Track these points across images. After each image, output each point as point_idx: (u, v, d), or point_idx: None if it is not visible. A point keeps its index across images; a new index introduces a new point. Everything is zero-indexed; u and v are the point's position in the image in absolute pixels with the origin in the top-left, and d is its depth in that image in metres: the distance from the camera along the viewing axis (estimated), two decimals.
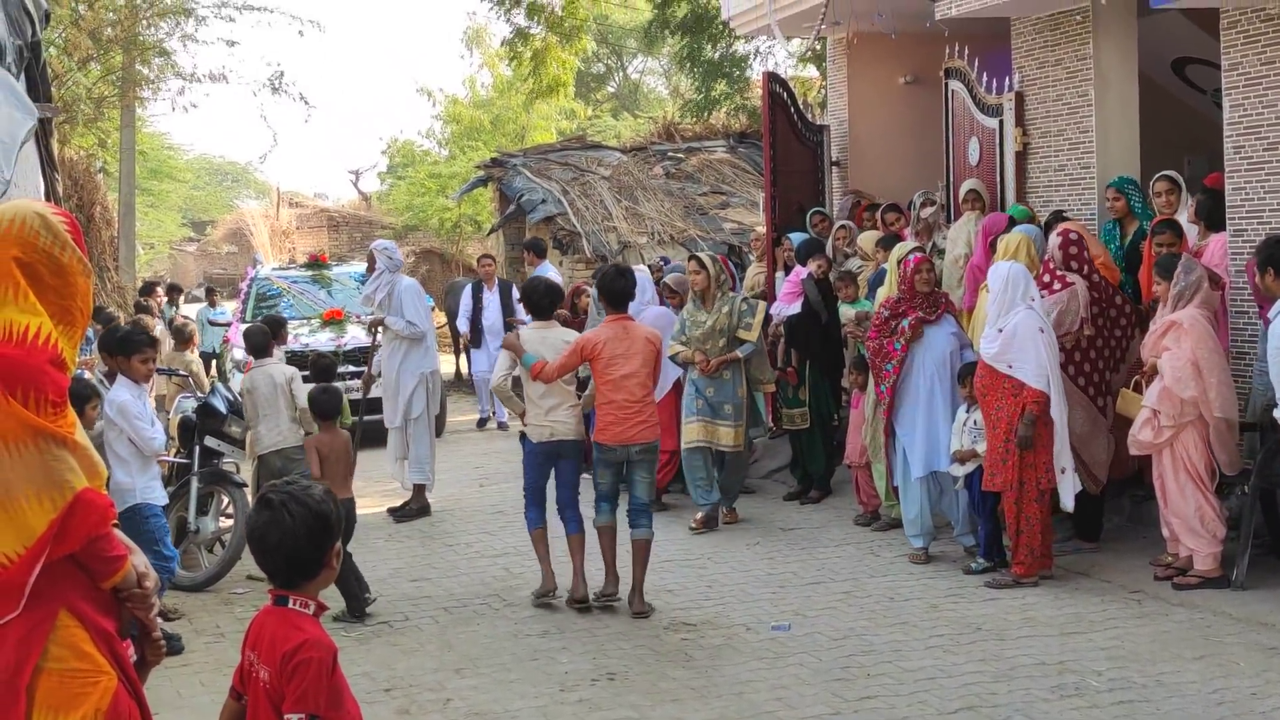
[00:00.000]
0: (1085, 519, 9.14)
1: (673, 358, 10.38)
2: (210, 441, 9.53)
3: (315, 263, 18.24)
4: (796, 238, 12.53)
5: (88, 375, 8.73)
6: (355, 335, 15.48)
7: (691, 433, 10.41)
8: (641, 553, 8.28)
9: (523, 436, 8.69)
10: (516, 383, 8.75)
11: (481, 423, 16.71)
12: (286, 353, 13.91)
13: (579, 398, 8.62)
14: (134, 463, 7.94)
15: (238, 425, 9.70)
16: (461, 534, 10.73)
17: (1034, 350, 8.29)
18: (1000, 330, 8.36)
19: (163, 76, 20.45)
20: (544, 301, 8.78)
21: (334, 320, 16.08)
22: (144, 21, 20.11)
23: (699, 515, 10.49)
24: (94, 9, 19.08)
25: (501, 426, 16.27)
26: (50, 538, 3.57)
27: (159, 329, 14.93)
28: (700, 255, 10.82)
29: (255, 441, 9.76)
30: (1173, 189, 9.76)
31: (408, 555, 10.07)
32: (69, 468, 3.63)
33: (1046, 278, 9.02)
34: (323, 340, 15.46)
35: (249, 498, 9.39)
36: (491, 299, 16.59)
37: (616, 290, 8.50)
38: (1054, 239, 9.16)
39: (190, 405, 10.10)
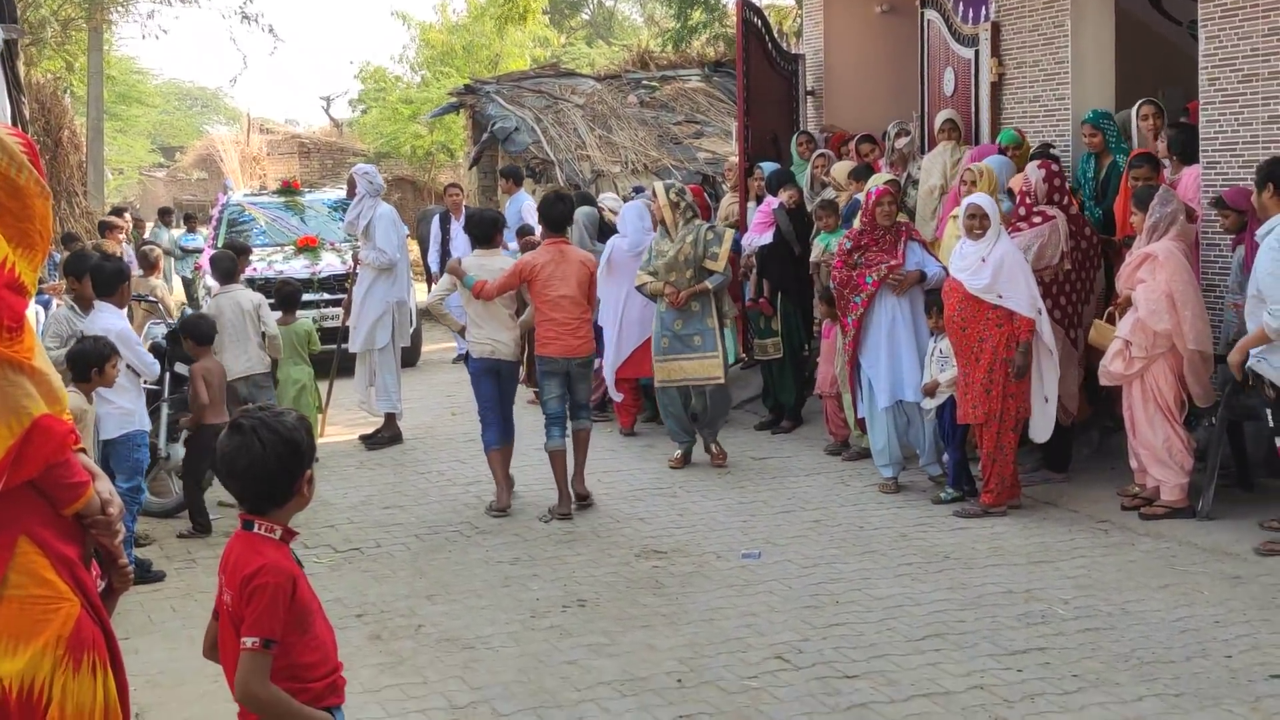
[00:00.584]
0: (1054, 450, 9.21)
1: (640, 288, 10.24)
2: (180, 368, 9.49)
3: (288, 189, 18.04)
4: (767, 167, 12.50)
5: (56, 303, 8.65)
6: (330, 263, 15.42)
7: (662, 372, 10.15)
8: (582, 443, 9.23)
9: (466, 357, 9.54)
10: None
11: (462, 358, 16.56)
12: (258, 280, 13.88)
13: (516, 322, 9.23)
14: (133, 389, 7.93)
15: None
16: (433, 462, 10.74)
17: (1024, 279, 8.32)
18: (984, 259, 8.34)
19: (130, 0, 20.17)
20: (487, 230, 9.45)
21: (308, 247, 15.96)
22: None
23: (676, 453, 10.28)
24: None
25: (463, 359, 16.22)
26: (8, 464, 3.54)
27: (127, 254, 14.82)
28: (657, 184, 10.61)
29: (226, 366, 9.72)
30: (1158, 114, 9.76)
31: (379, 483, 10.08)
32: (26, 393, 3.58)
33: (1023, 211, 9.02)
34: (297, 267, 15.33)
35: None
36: (459, 229, 16.44)
37: (555, 215, 9.15)
38: (1036, 171, 9.13)
39: (160, 331, 10.04)
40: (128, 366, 7.84)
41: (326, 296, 15.05)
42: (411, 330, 14.41)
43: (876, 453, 9.40)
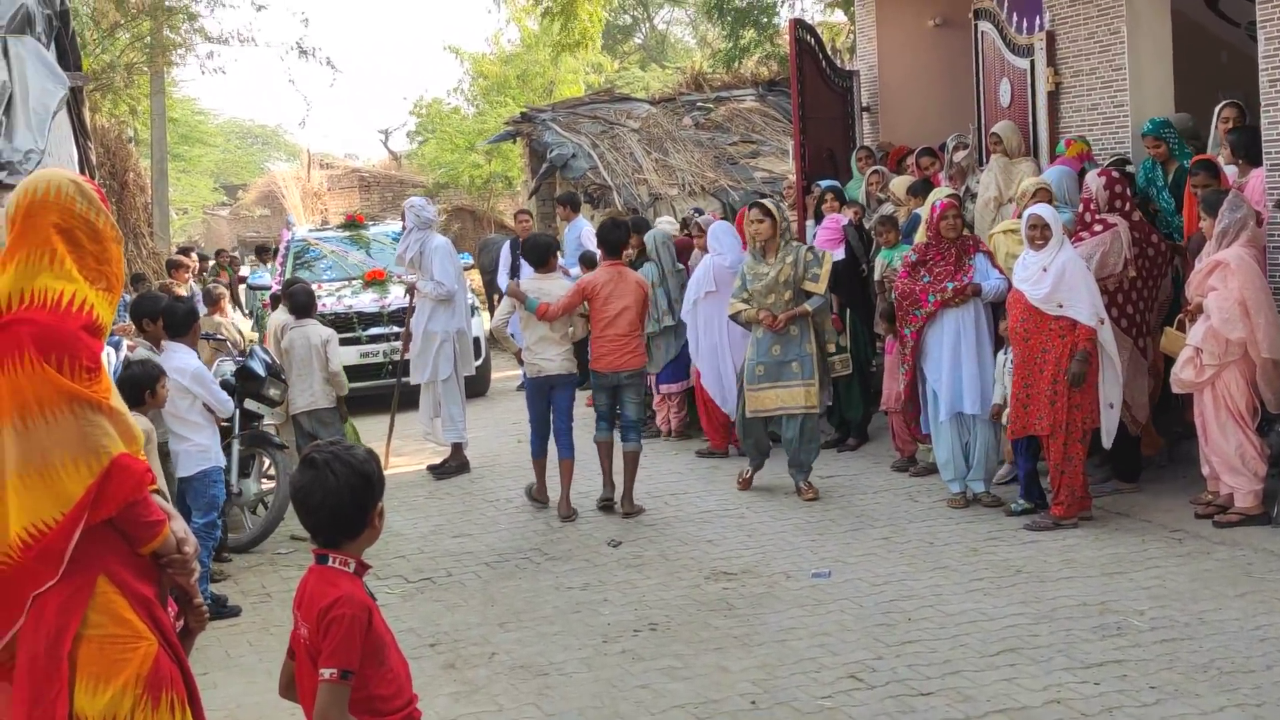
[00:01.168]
0: (1124, 459, 9.13)
1: (734, 317, 9.91)
2: (250, 404, 9.61)
3: (352, 223, 18.10)
4: (826, 184, 12.47)
5: (126, 343, 8.79)
6: (399, 295, 15.40)
7: (753, 401, 9.74)
8: (631, 461, 9.73)
9: (523, 376, 10.12)
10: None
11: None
12: (328, 314, 14.05)
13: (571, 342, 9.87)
14: (208, 426, 8.06)
15: (276, 387, 9.78)
16: (501, 490, 10.80)
17: (1086, 287, 8.26)
18: (1045, 269, 8.30)
19: (190, 41, 20.48)
20: (543, 254, 10.08)
21: (376, 281, 15.95)
22: None
23: (746, 472, 10.12)
24: None
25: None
26: (88, 503, 3.62)
27: (194, 293, 15.01)
28: (764, 201, 9.98)
29: (289, 402, 9.87)
30: (1241, 115, 9.62)
31: (449, 512, 10.15)
32: (105, 433, 3.67)
33: (1088, 218, 8.97)
34: (366, 301, 15.40)
35: (290, 459, 9.49)
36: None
37: (612, 239, 9.87)
38: (1097, 180, 9.08)
39: (229, 368, 10.17)
40: (203, 405, 7.97)
41: (396, 329, 14.96)
42: (479, 360, 14.59)
43: (942, 466, 9.36)
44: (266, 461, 9.72)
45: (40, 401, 3.62)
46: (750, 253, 9.90)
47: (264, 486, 9.71)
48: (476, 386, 15.79)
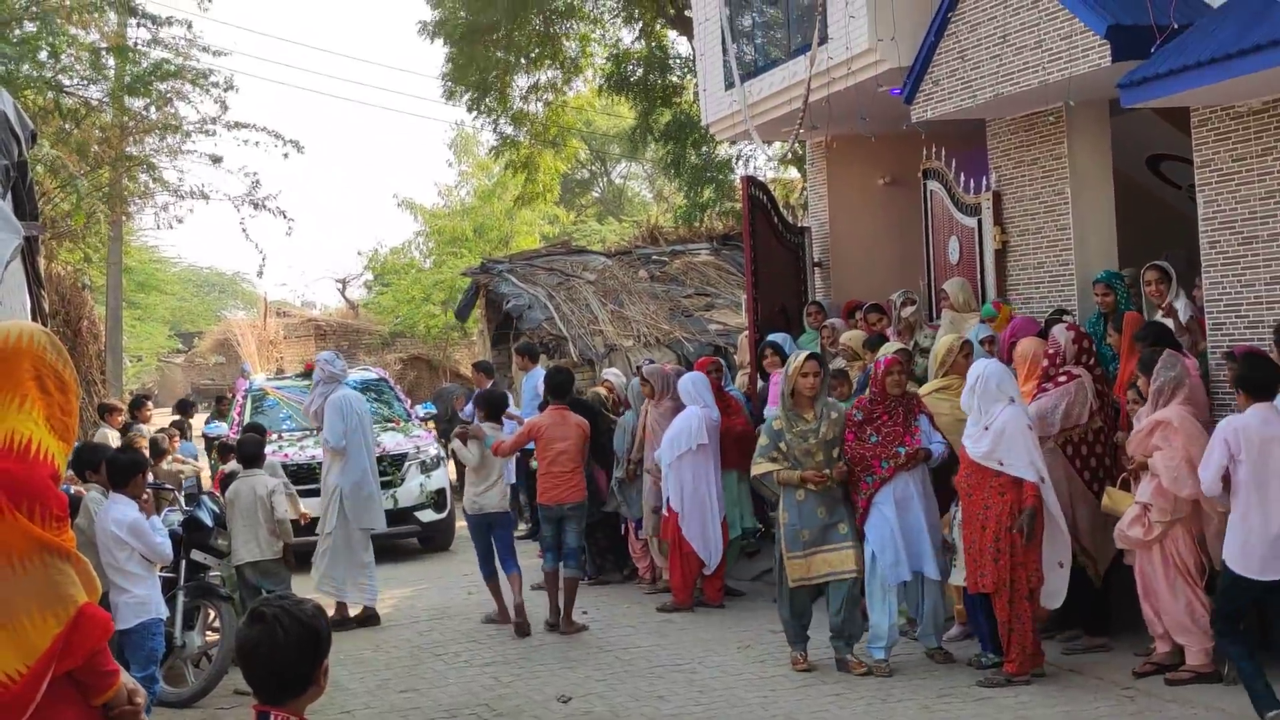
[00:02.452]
0: (1094, 613, 9.08)
1: (759, 478, 9.31)
2: (196, 555, 9.50)
3: (309, 372, 17.74)
4: (772, 338, 12.56)
5: (75, 489, 8.70)
6: None
7: (800, 569, 8.95)
8: (570, 588, 10.73)
9: (466, 513, 11.23)
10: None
11: None
12: (290, 465, 13.83)
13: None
14: (148, 577, 7.96)
15: (224, 538, 9.69)
16: (450, 643, 10.66)
17: (1024, 445, 8.31)
18: (986, 428, 8.37)
19: (149, 192, 20.62)
20: (497, 408, 11.42)
21: None
22: (131, 138, 20.32)
23: (799, 653, 9.14)
24: (81, 127, 19.27)
25: None
26: (55, 653, 3.58)
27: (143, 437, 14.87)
28: (817, 354, 9.45)
29: (232, 553, 9.76)
30: (1162, 278, 9.81)
31: (396, 666, 9.99)
32: (71, 581, 3.65)
33: (1052, 370, 9.06)
34: None
35: (234, 612, 9.36)
36: None
37: (557, 384, 11.13)
38: (1065, 334, 9.20)
39: (176, 518, 10.07)
40: (141, 555, 7.87)
41: None
42: (443, 514, 14.46)
43: (875, 630, 8.99)
44: (212, 614, 9.56)
45: (10, 550, 3.60)
46: (783, 410, 9.15)
47: (208, 639, 9.53)
48: (441, 539, 15.68)
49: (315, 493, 14.03)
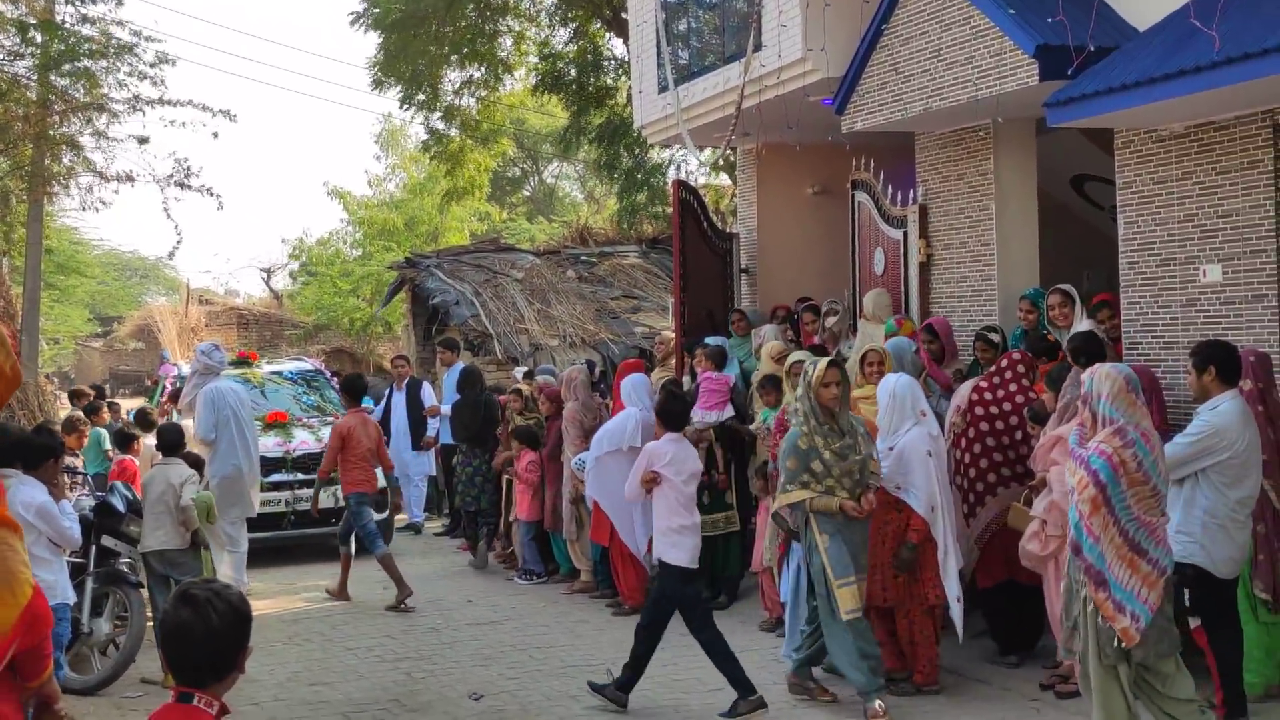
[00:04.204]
0: (1000, 629, 9.14)
1: (790, 508, 8.23)
2: (107, 541, 9.38)
3: (243, 361, 16.69)
4: (713, 343, 12.53)
5: None
6: (304, 440, 14.72)
7: (852, 597, 7.95)
8: (388, 562, 11.84)
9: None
10: None
11: (410, 528, 16.27)
12: None
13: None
14: (55, 560, 7.83)
15: (136, 524, 9.56)
16: (363, 637, 10.59)
17: (922, 473, 8.30)
18: (891, 449, 8.40)
19: (73, 172, 20.29)
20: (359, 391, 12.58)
21: (278, 423, 15.05)
22: (55, 117, 20.00)
23: (877, 703, 7.89)
24: (3, 102, 18.95)
25: (412, 528, 16.11)
26: (20, 632, 3.56)
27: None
28: (836, 360, 8.48)
29: (142, 538, 9.63)
30: (1065, 302, 9.93)
31: (306, 659, 9.92)
32: (20, 559, 3.65)
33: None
34: (269, 445, 14.24)
35: (142, 600, 9.25)
36: (399, 398, 16.49)
37: (352, 389, 12.55)
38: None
39: (88, 504, 9.93)
40: (49, 539, 7.75)
41: (301, 477, 14.24)
42: (384, 514, 14.26)
43: (791, 641, 8.89)
44: (121, 600, 9.42)
45: None
46: (810, 426, 8.05)
47: (116, 626, 9.39)
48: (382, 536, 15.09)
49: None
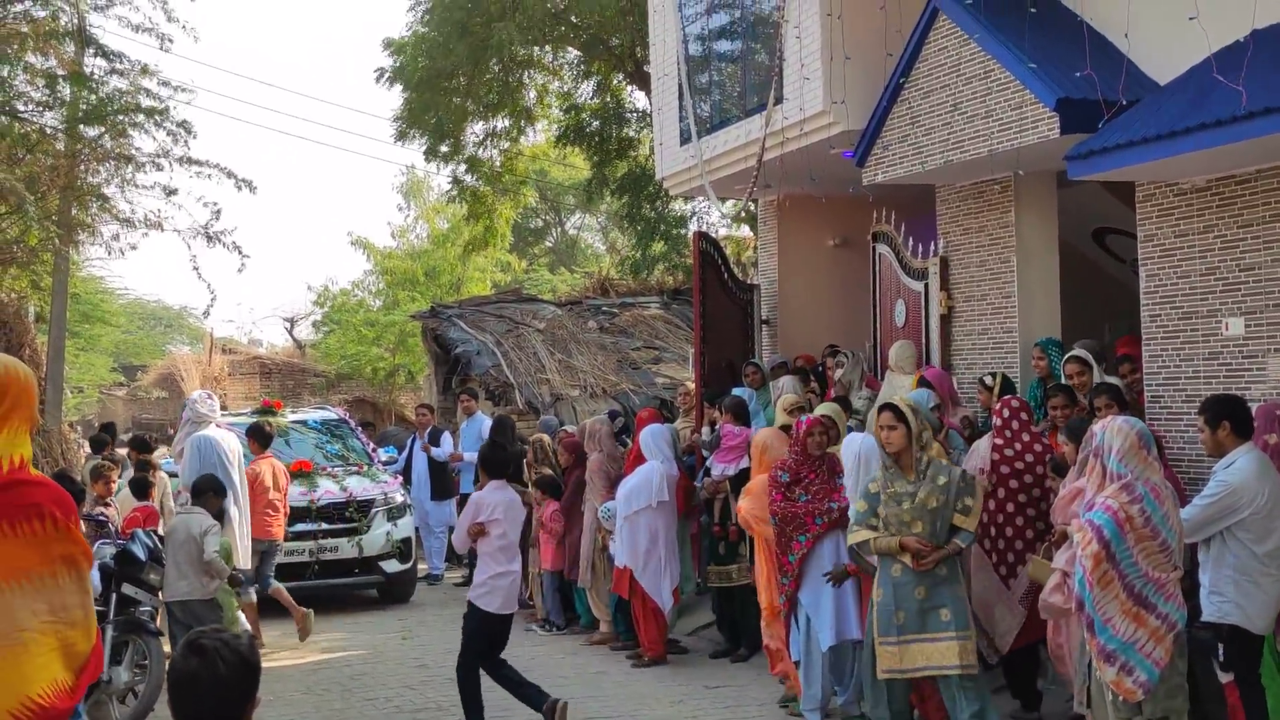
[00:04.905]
0: (1022, 687, 9.04)
1: (855, 548, 8.04)
2: (128, 589, 9.39)
3: (266, 409, 16.58)
4: (741, 393, 12.49)
5: None
6: (328, 490, 14.61)
7: (891, 658, 7.67)
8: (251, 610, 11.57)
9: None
10: None
11: (435, 577, 16.30)
12: None
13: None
14: None
15: (157, 573, 9.57)
16: (381, 688, 10.56)
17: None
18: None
19: (99, 221, 20.44)
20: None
21: (302, 472, 14.88)
22: (82, 167, 20.18)
23: None
24: (33, 153, 19.13)
25: (431, 579, 16.11)
26: (96, 665, 3.66)
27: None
28: (896, 402, 8.13)
29: (165, 587, 9.63)
30: (1083, 370, 9.77)
31: (325, 709, 9.89)
32: (89, 596, 3.75)
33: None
34: (294, 495, 13.97)
35: (165, 647, 9.24)
36: (419, 448, 16.52)
37: (259, 435, 13.00)
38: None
39: (109, 551, 9.94)
40: None
41: (325, 526, 14.19)
42: (407, 565, 14.65)
43: (808, 696, 8.90)
44: (140, 649, 9.41)
45: (72, 563, 3.69)
46: (882, 470, 7.96)
47: (135, 675, 9.39)
48: (402, 591, 14.97)
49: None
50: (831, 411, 9.87)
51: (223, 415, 17.85)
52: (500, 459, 9.34)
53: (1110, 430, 6.64)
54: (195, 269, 19.81)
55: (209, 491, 10.30)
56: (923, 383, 10.75)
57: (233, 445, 12.02)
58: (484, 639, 8.89)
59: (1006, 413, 9.05)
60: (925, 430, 7.84)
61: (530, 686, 8.82)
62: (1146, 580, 6.38)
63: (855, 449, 8.50)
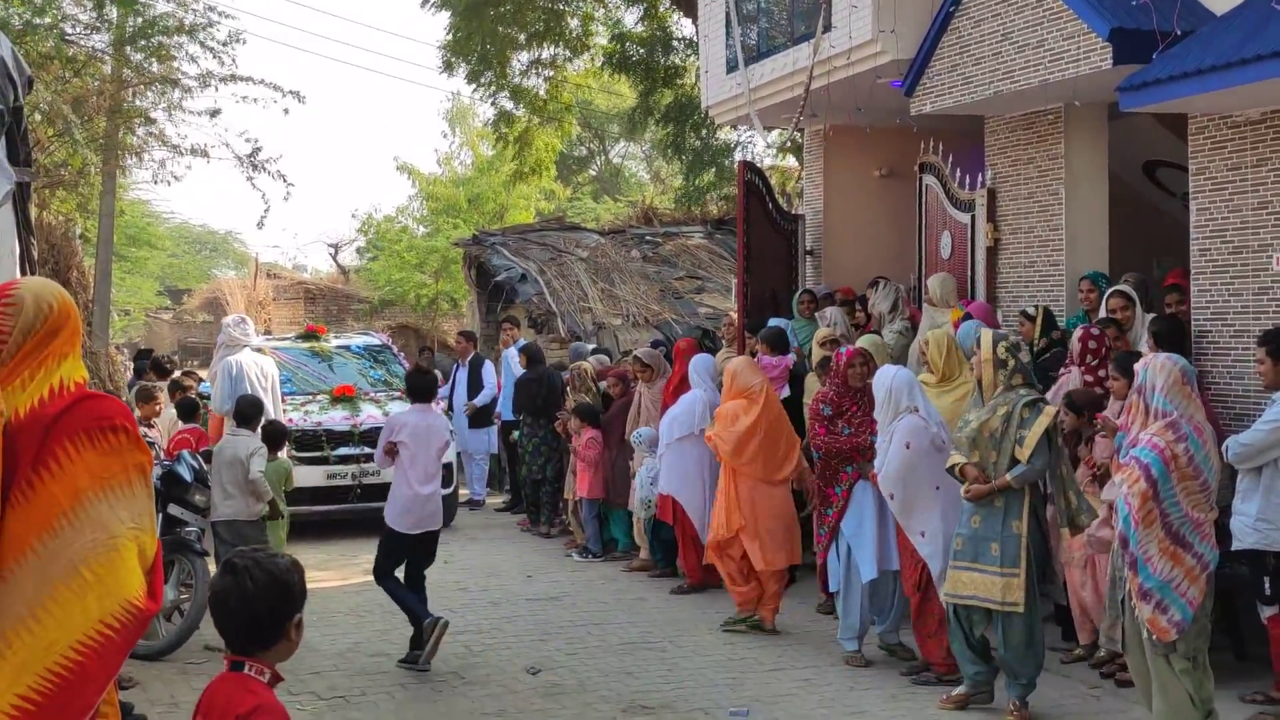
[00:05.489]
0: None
1: (950, 470, 7.85)
2: (173, 509, 9.50)
3: (311, 334, 16.76)
4: (775, 324, 12.48)
5: None
6: (371, 414, 14.57)
7: (950, 583, 7.75)
8: None
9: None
10: None
11: (477, 503, 16.36)
12: (294, 431, 13.50)
13: None
14: None
15: (202, 494, 9.67)
16: None
17: (894, 461, 8.19)
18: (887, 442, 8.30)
19: (147, 145, 20.53)
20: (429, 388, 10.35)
21: (345, 397, 14.93)
22: (129, 90, 20.24)
23: (957, 689, 7.89)
24: (80, 76, 19.19)
25: (473, 505, 16.21)
26: (159, 571, 3.78)
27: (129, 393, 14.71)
28: (985, 334, 8.07)
29: (211, 508, 9.74)
30: (1127, 305, 9.68)
31: (368, 630, 10.02)
32: (154, 503, 3.85)
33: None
34: (336, 418, 14.40)
35: (210, 567, 9.37)
36: (462, 375, 16.55)
37: (187, 408, 11.43)
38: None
39: (155, 472, 10.04)
40: None
41: (368, 450, 13.82)
42: (449, 489, 14.31)
43: (846, 625, 8.96)
44: (186, 568, 9.55)
45: (144, 472, 3.77)
46: (974, 395, 8.05)
47: (181, 594, 9.53)
48: (445, 515, 14.98)
49: (321, 460, 14.01)
50: (870, 344, 9.87)
51: (267, 339, 18.02)
52: (419, 384, 9.67)
53: (1153, 368, 6.64)
54: (250, 179, 19.91)
55: (255, 414, 10.39)
56: (966, 316, 10.69)
57: (267, 369, 12.07)
58: (391, 556, 9.24)
59: (1093, 343, 9.15)
60: (1010, 360, 7.67)
61: (410, 599, 9.14)
62: (1186, 519, 6.41)
63: (887, 383, 8.43)
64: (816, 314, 12.96)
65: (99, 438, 3.71)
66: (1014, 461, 7.49)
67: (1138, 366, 6.85)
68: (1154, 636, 6.36)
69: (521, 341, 16.30)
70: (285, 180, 19.81)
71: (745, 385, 9.90)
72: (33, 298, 3.87)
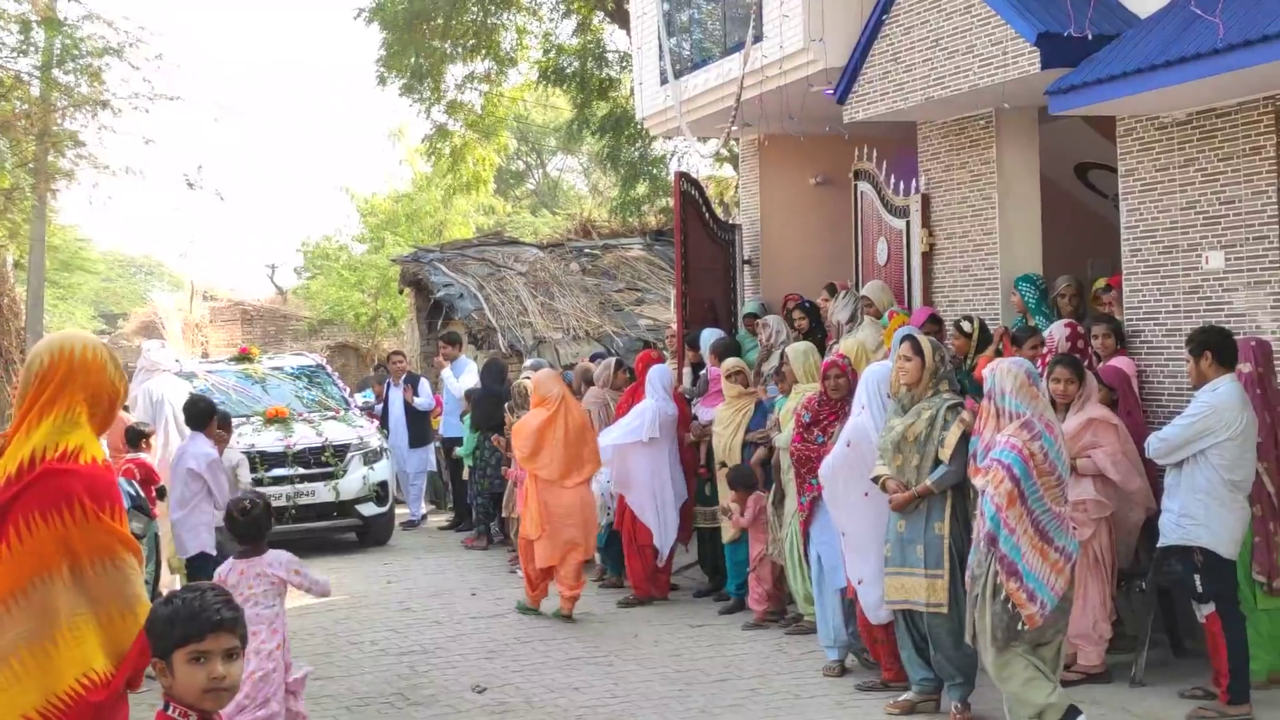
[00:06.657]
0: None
1: (876, 481, 7.82)
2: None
3: (244, 357, 16.88)
4: (709, 335, 12.47)
5: None
6: (304, 435, 14.66)
7: (887, 588, 7.82)
8: None
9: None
10: None
11: (412, 524, 16.34)
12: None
13: None
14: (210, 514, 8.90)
15: (138, 520, 9.53)
16: (367, 631, 10.59)
17: (831, 458, 8.27)
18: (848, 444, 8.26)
19: (76, 168, 20.30)
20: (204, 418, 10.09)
21: (278, 418, 15.04)
22: (58, 113, 20.01)
23: (904, 695, 7.89)
24: (7, 99, 18.96)
25: (408, 525, 16.12)
26: (139, 652, 3.67)
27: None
28: (916, 336, 8.19)
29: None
30: (1078, 293, 9.93)
31: (310, 652, 9.89)
32: (139, 578, 3.80)
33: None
34: (269, 440, 14.49)
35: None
36: (396, 394, 16.51)
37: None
38: (1062, 330, 9.32)
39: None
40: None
41: (301, 471, 14.30)
42: (384, 508, 14.81)
43: (823, 633, 8.95)
44: None
45: (101, 552, 3.67)
46: (893, 399, 7.99)
47: None
48: (380, 533, 15.07)
49: (255, 482, 13.80)
50: (853, 347, 9.82)
51: (202, 363, 17.89)
52: (194, 411, 9.89)
53: (1000, 372, 6.92)
54: (176, 208, 19.83)
55: (208, 416, 10.11)
56: (934, 320, 10.62)
57: (175, 397, 11.89)
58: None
59: (1080, 341, 9.25)
60: (941, 367, 7.77)
61: None
62: (1049, 513, 6.70)
63: (862, 379, 8.45)
64: (759, 322, 12.95)
65: (52, 516, 3.65)
66: (938, 463, 7.57)
67: (985, 372, 7.15)
68: (1025, 627, 6.57)
69: (464, 359, 16.28)
70: (220, 196, 19.67)
71: (544, 394, 10.82)
72: (62, 339, 3.88)
